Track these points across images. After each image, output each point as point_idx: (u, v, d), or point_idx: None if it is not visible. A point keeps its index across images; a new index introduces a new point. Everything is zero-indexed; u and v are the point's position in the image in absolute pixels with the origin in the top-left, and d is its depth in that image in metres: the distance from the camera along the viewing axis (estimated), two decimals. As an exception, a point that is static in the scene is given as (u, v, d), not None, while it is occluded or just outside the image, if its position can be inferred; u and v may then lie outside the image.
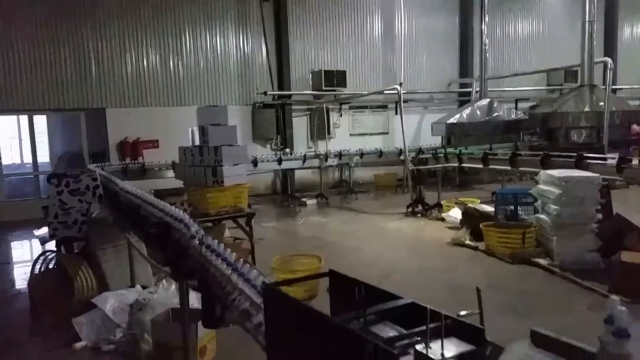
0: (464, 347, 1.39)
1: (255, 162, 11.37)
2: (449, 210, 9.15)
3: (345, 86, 14.20)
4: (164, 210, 3.54)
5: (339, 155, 12.79)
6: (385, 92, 13.27)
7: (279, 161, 11.88)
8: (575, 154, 6.93)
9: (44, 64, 11.32)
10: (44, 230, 6.71)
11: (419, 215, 10.04)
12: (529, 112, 12.95)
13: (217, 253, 2.83)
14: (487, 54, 14.05)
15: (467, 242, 7.45)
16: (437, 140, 14.44)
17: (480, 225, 7.20)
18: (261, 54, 13.78)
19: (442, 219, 9.25)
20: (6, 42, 10.97)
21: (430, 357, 1.28)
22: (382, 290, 1.93)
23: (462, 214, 8.18)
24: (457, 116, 13.54)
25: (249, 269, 2.58)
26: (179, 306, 3.68)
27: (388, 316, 1.78)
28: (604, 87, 11.67)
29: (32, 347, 4.64)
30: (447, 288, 5.82)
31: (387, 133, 15.71)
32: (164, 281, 5.17)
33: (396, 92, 11.03)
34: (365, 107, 15.41)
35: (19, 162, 17.09)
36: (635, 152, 12.91)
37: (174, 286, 4.88)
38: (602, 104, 11.22)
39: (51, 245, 6.17)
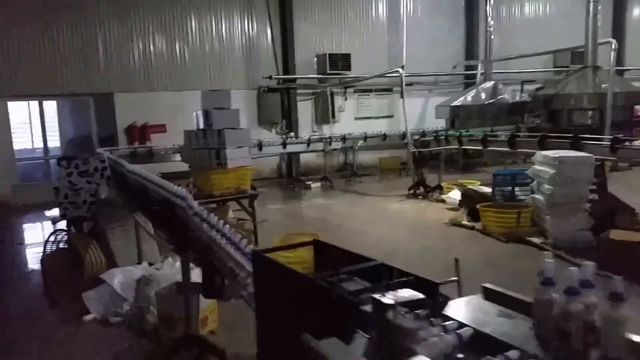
0: (417, 296, 1.59)
1: (260, 146, 11.58)
2: (449, 192, 9.31)
3: (349, 69, 14.28)
4: (167, 189, 3.75)
5: (343, 138, 12.94)
6: (390, 75, 13.34)
7: (284, 145, 12.09)
8: (571, 135, 7.04)
9: (51, 49, 11.52)
10: (55, 211, 6.98)
11: (421, 197, 10.22)
12: (532, 94, 12.94)
13: (215, 227, 3.04)
14: (492, 36, 14.06)
15: (465, 222, 7.63)
16: (441, 123, 14.50)
17: (477, 206, 7.36)
18: (266, 38, 13.90)
19: (443, 201, 9.41)
20: (14, 29, 11.17)
21: (383, 302, 1.47)
22: (357, 254, 2.13)
23: (461, 195, 8.34)
24: (462, 99, 13.63)
25: (243, 241, 2.79)
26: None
27: (362, 275, 1.98)
28: (608, 68, 11.67)
29: (45, 319, 4.92)
30: (443, 266, 5.99)
31: (392, 116, 15.78)
32: (169, 258, 5.41)
33: (399, 75, 11.18)
34: (370, 90, 15.49)
35: (30, 147, 17.39)
36: (639, 133, 12.94)
37: (178, 262, 5.12)
38: (605, 85, 11.23)
39: (62, 225, 6.43)
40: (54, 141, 13.37)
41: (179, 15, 12.85)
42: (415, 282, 1.80)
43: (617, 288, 1.48)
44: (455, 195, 8.89)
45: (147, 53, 12.54)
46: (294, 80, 14.12)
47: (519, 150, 8.02)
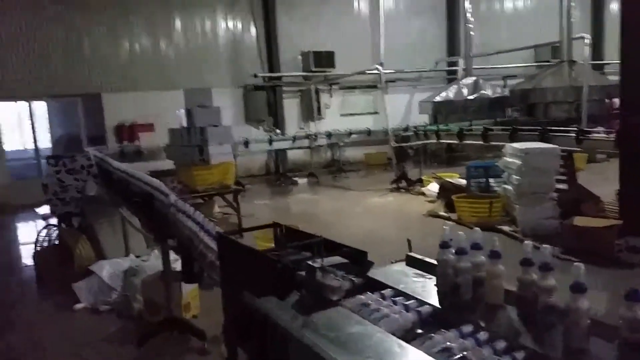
0: (342, 261, 1.90)
1: (246, 143, 11.87)
2: (429, 185, 9.64)
3: (334, 67, 14.59)
4: (146, 183, 4.04)
5: (329, 135, 13.25)
6: (374, 72, 13.63)
7: (270, 141, 12.38)
8: (539, 128, 7.38)
9: (38, 51, 11.72)
10: (45, 209, 7.25)
11: (403, 190, 10.54)
12: (509, 88, 13.30)
13: (189, 215, 3.34)
14: (472, 32, 14.39)
15: (442, 213, 7.96)
16: (426, 119, 14.82)
17: (453, 197, 7.70)
18: (250, 36, 14.16)
19: (423, 194, 9.74)
20: (1, 30, 11.35)
21: (312, 266, 1.78)
22: (309, 233, 2.44)
23: (439, 187, 8.67)
24: (443, 94, 13.98)
25: (214, 226, 3.09)
26: (165, 268, 4.22)
27: (308, 250, 2.28)
28: (583, 62, 12.05)
29: (38, 308, 5.21)
30: (416, 252, 6.34)
31: (377, 113, 16.06)
32: (155, 250, 5.70)
33: (384, 71, 11.49)
34: (355, 87, 15.78)
35: (22, 148, 17.56)
36: (616, 125, 13.30)
37: (163, 254, 5.41)
38: (581, 79, 11.60)
39: (53, 221, 6.70)
40: (45, 141, 13.59)
41: (164, 15, 13.08)
42: (349, 252, 2.12)
43: (545, 258, 1.73)
44: (434, 188, 9.21)
45: (133, 53, 12.78)
46: (279, 78, 14.39)
47: (491, 143, 8.35)
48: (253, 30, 14.15)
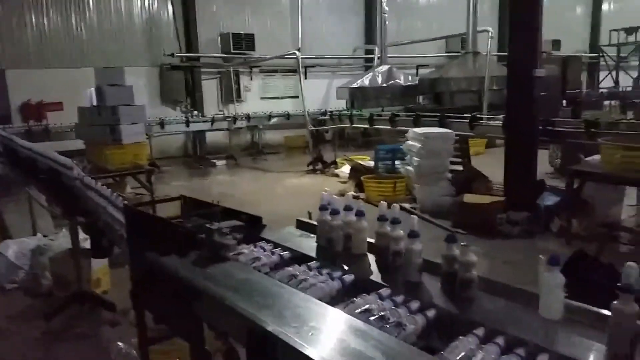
0: (237, 224, 2.18)
1: (162, 124, 11.72)
2: (342, 167, 10.11)
3: (254, 50, 14.65)
4: (53, 160, 4.07)
5: (248, 117, 13.36)
6: (292, 57, 13.86)
7: (187, 123, 12.29)
8: (438, 114, 8.02)
9: None
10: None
11: (318, 172, 10.96)
12: (419, 77, 14.07)
13: (95, 189, 3.44)
14: (387, 22, 14.97)
15: (351, 193, 8.41)
16: (344, 104, 15.29)
17: (361, 178, 8.18)
18: (168, 14, 13.85)
19: (337, 175, 10.20)
20: None
21: (210, 228, 2.04)
22: (210, 203, 2.69)
23: (350, 169, 9.15)
24: (359, 81, 14.48)
25: (120, 199, 3.23)
26: (74, 244, 4.28)
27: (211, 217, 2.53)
28: (486, 53, 12.98)
29: None
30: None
31: (297, 97, 16.34)
32: (63, 230, 5.66)
33: (303, 57, 11.74)
34: (276, 71, 15.93)
35: None
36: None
37: (73, 233, 5.40)
38: (484, 69, 12.52)
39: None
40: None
41: (75, -11, 12.50)
42: (246, 217, 2.39)
43: (395, 215, 2.08)
44: (346, 169, 9.69)
45: (41, 28, 12.11)
46: (198, 59, 14.23)
47: (398, 128, 8.92)
48: (170, 8, 13.85)
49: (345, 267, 1.93)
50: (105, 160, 6.82)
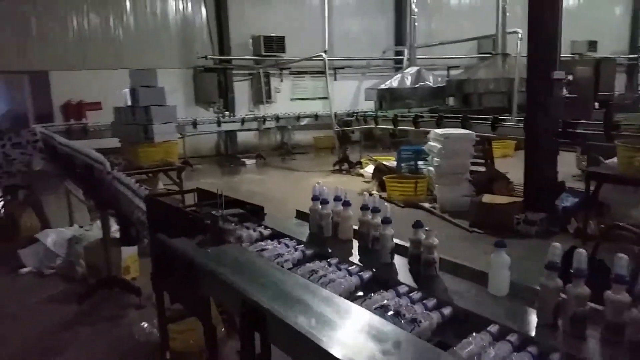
0: (240, 212, 2.42)
1: (195, 124, 12.17)
2: (366, 167, 10.28)
3: (284, 51, 14.96)
4: (88, 155, 4.42)
5: (277, 118, 13.69)
6: (319, 59, 14.11)
7: (218, 123, 12.70)
8: (460, 115, 8.10)
9: (-17, 27, 11.59)
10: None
11: (344, 172, 11.17)
12: (448, 79, 14.10)
13: (124, 182, 3.76)
14: (416, 23, 15.06)
15: (374, 191, 8.60)
16: (373, 105, 15.45)
17: (383, 177, 8.34)
18: (201, 17, 14.31)
19: (362, 175, 10.38)
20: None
21: (215, 215, 2.29)
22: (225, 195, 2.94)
23: (374, 169, 9.32)
24: (388, 82, 14.63)
25: (143, 189, 3.53)
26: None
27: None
28: (515, 55, 12.90)
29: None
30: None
31: (326, 98, 16.58)
32: (98, 221, 6.05)
33: (332, 58, 11.96)
34: (306, 72, 16.20)
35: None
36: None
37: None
38: (513, 71, 12.46)
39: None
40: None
41: (113, -8, 13.09)
42: (251, 207, 2.64)
43: (377, 204, 2.29)
44: (370, 169, 9.85)
45: (82, 31, 12.75)
46: (230, 61, 14.65)
47: (421, 128, 9.03)
48: (204, 11, 14.31)
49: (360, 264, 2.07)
50: (139, 158, 7.23)
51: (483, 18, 18.25)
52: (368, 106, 15.28)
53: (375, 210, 2.13)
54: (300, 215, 2.68)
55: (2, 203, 6.46)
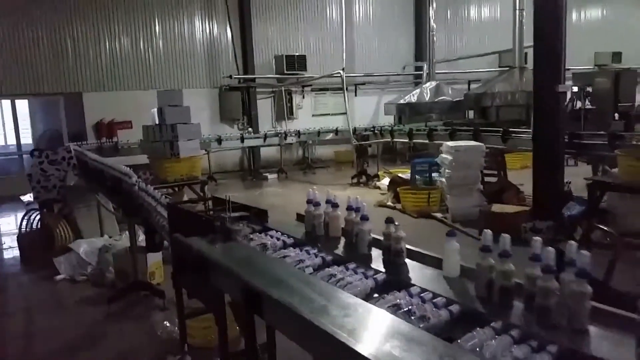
0: (245, 214, 2.77)
1: (219, 140, 12.68)
2: (383, 179, 10.56)
3: (305, 69, 15.45)
4: (116, 169, 4.86)
5: (298, 133, 14.12)
6: (337, 76, 14.50)
7: (242, 139, 13.19)
8: (472, 128, 8.34)
9: (22, 50, 12.37)
10: (28, 196, 8.00)
11: (362, 185, 11.47)
12: (464, 93, 14.29)
13: (149, 193, 4.16)
14: (435, 38, 15.36)
15: (389, 203, 8.88)
16: (392, 120, 15.74)
17: (398, 189, 8.62)
18: (226, 39, 14.95)
19: (379, 187, 10.67)
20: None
21: (223, 216, 2.64)
22: (234, 201, 3.30)
23: (389, 181, 9.59)
24: (407, 97, 14.92)
25: (164, 198, 3.92)
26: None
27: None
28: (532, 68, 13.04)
29: (23, 279, 6.00)
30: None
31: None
32: (126, 232, 6.50)
33: (352, 75, 12.33)
34: (327, 89, 16.64)
35: (3, 143, 18.08)
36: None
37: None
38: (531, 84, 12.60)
39: (35, 207, 7.45)
40: (27, 138, 14.21)
41: (143, 17, 13.80)
42: (256, 211, 2.99)
43: (364, 211, 2.61)
44: (387, 182, 10.13)
45: (114, 54, 13.49)
46: (253, 79, 15.20)
47: (435, 141, 9.28)
48: (229, 33, 14.94)
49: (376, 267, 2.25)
50: (165, 172, 7.69)
51: (504, 32, 18.49)
52: (388, 121, 15.56)
53: (358, 210, 2.45)
54: (300, 217, 3.02)
55: (39, 216, 6.97)
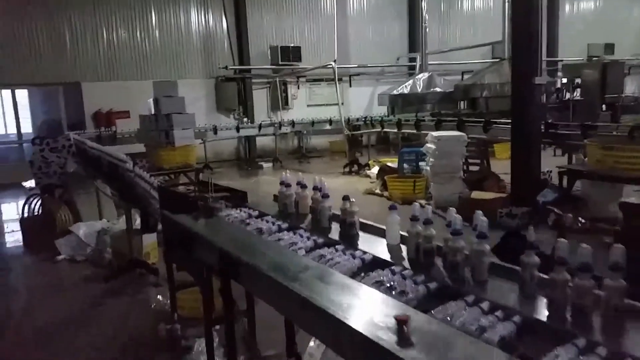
0: (226, 194, 3.12)
1: (215, 130, 13.00)
2: (373, 168, 10.91)
3: (300, 60, 15.72)
4: (112, 156, 5.19)
5: (292, 123, 14.43)
6: (338, 66, 14.75)
7: (237, 129, 13.51)
8: (456, 119, 8.66)
9: (22, 41, 12.63)
10: (30, 182, 8.34)
11: (353, 173, 11.82)
12: (454, 84, 14.57)
13: (143, 177, 4.50)
14: (428, 30, 15.63)
15: (377, 191, 9.23)
16: (385, 110, 16.02)
17: (385, 177, 8.96)
18: (222, 30, 15.20)
19: (369, 176, 11.01)
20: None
21: (206, 196, 2.99)
22: (217, 184, 3.65)
23: (378, 170, 9.94)
24: (400, 88, 15.21)
25: (155, 181, 4.25)
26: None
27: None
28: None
29: (26, 260, 6.36)
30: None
31: (342, 104, 17.23)
32: (123, 216, 6.85)
33: (345, 66, 12.58)
34: (321, 80, 16.90)
35: (3, 132, 18.38)
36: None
37: (130, 218, 6.57)
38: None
39: (37, 192, 7.79)
40: (27, 127, 14.53)
41: (140, 9, 14.05)
42: (237, 192, 3.33)
43: (325, 190, 2.97)
44: (376, 170, 10.47)
45: (111, 45, 13.76)
46: (249, 70, 15.48)
47: (422, 131, 9.61)
48: (224, 25, 15.18)
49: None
50: (161, 160, 8.04)
51: (496, 24, 18.71)
52: (382, 111, 15.86)
53: (319, 189, 2.79)
54: (275, 198, 3.37)
55: (41, 200, 7.30)
